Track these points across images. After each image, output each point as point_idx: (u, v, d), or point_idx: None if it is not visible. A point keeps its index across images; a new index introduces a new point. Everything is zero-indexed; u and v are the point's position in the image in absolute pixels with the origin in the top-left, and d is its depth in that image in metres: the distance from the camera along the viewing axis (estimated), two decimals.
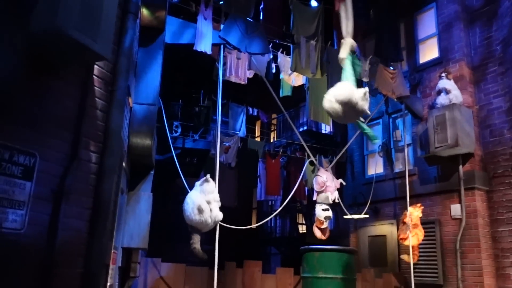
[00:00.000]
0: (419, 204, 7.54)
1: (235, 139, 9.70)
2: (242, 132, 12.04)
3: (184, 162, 8.33)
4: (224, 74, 9.47)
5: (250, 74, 9.78)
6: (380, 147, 9.26)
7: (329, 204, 6.77)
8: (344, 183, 6.77)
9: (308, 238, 10.91)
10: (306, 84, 8.83)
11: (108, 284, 3.57)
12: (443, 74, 7.69)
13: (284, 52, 9.07)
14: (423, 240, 7.81)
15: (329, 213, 6.56)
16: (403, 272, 8.08)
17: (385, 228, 8.85)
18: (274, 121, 13.23)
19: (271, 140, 13.33)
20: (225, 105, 12.18)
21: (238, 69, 9.47)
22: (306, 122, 12.33)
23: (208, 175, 5.70)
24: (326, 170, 6.80)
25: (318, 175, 6.69)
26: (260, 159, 9.85)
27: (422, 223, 7.86)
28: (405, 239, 7.43)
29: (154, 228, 10.62)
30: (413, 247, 7.44)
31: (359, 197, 9.30)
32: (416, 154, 8.49)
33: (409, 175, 8.38)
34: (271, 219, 13.54)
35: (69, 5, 2.43)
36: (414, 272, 7.79)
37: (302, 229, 13.21)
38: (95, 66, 3.19)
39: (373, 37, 8.70)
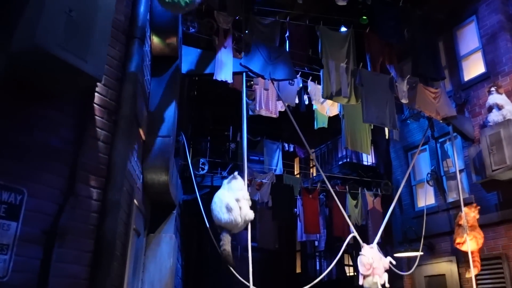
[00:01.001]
0: (474, 204, 6.87)
1: (270, 176, 9.28)
2: (279, 169, 11.62)
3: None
4: (254, 109, 9.29)
5: (281, 107, 9.51)
6: (429, 175, 8.51)
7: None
8: (394, 262, 6.09)
9: (356, 281, 10.06)
10: (341, 112, 8.40)
11: None
12: (492, 89, 7.04)
13: (316, 82, 8.76)
14: (489, 279, 6.89)
15: None
16: None
17: (444, 267, 7.94)
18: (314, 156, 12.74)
19: (310, 176, 12.78)
20: (259, 143, 11.91)
21: (268, 101, 9.24)
22: (346, 155, 11.75)
23: (236, 172, 5.46)
24: (371, 248, 6.04)
25: (362, 254, 5.95)
26: (297, 196, 9.32)
27: (484, 259, 6.97)
28: (463, 243, 6.69)
29: (190, 272, 10.21)
30: (473, 254, 6.63)
31: (409, 232, 8.48)
32: (470, 180, 7.69)
33: (465, 204, 7.57)
34: (315, 261, 12.76)
35: (51, 20, 2.23)
36: None
37: (350, 271, 12.27)
38: (96, 94, 2.97)
39: (410, 58, 8.23)
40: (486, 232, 7.12)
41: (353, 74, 7.14)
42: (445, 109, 7.50)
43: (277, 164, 11.64)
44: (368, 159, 11.08)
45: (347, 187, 9.20)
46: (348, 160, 11.01)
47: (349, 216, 8.94)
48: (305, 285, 5.82)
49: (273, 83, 7.13)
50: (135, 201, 3.56)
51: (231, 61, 6.21)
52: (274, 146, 11.83)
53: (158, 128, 4.04)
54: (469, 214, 6.84)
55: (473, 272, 6.58)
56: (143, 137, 3.88)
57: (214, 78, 6.06)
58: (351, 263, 12.09)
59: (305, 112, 9.51)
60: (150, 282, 4.30)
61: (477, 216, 6.86)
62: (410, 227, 8.39)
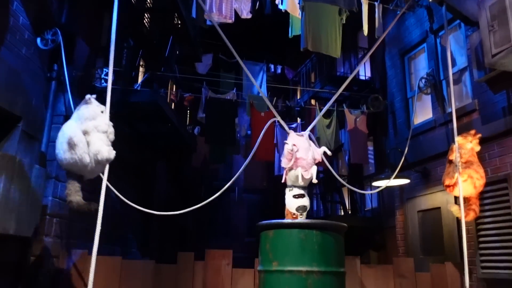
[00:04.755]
0: (473, 131, 4.93)
1: (230, 95, 7.75)
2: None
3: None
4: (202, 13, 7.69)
5: (246, 11, 7.84)
6: (425, 80, 6.55)
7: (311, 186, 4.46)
8: (329, 153, 4.36)
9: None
10: (300, 3, 6.56)
11: None
12: None
13: None
14: (490, 210, 5.12)
15: (304, 202, 4.22)
16: (469, 262, 5.38)
17: (439, 198, 6.20)
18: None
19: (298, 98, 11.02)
20: (236, 64, 10.31)
21: (222, 2, 7.58)
22: (344, 71, 9.84)
23: (89, 96, 4.00)
24: (300, 135, 4.37)
25: (285, 142, 4.31)
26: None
27: (488, 183, 5.14)
28: (453, 186, 4.83)
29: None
30: (469, 200, 4.85)
31: (395, 155, 6.71)
32: (473, 80, 5.71)
33: (466, 113, 5.71)
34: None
35: None
36: (481, 261, 5.14)
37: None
38: None
39: None
40: (490, 147, 5.26)
41: None
42: None
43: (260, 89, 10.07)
44: (366, 74, 9.12)
45: (316, 103, 7.49)
46: (340, 75, 9.12)
47: (317, 139, 7.33)
48: None
49: None
50: None
51: None
52: (256, 68, 10.18)
53: None
54: (464, 145, 4.88)
55: (463, 216, 4.74)
56: None
57: None
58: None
59: (279, 17, 7.78)
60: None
61: (477, 148, 4.91)
62: (395, 148, 6.62)
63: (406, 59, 7.37)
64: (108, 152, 3.84)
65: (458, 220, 5.69)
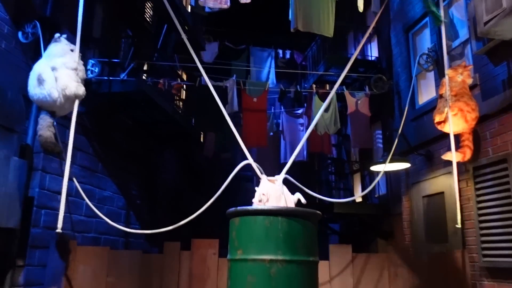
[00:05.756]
0: (463, 63, 4.90)
1: (230, 83, 7.59)
2: (271, 81, 9.85)
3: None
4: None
5: None
6: (426, 56, 6.15)
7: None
8: (303, 201, 4.15)
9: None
10: None
11: None
12: None
13: None
14: (490, 193, 4.77)
15: None
16: (471, 250, 5.05)
17: (442, 182, 5.83)
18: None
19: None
20: (244, 51, 10.14)
21: None
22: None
23: (59, 34, 4.38)
24: (272, 180, 4.12)
25: (256, 188, 4.13)
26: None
27: (486, 165, 4.81)
28: (444, 122, 4.75)
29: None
30: (462, 136, 4.74)
31: (402, 140, 6.37)
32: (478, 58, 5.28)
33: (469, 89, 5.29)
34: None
35: None
36: (483, 248, 4.79)
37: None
38: None
39: None
40: (491, 124, 4.88)
41: None
42: None
43: (268, 75, 9.86)
44: (373, 53, 8.69)
45: (314, 86, 7.21)
46: (349, 56, 8.76)
47: (315, 127, 7.08)
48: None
49: None
50: None
51: None
52: (264, 54, 10.00)
53: None
54: (455, 78, 4.74)
55: (454, 159, 4.53)
56: None
57: None
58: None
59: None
60: None
61: (469, 80, 4.77)
62: (395, 130, 6.27)
63: (410, 36, 6.95)
64: (76, 87, 4.06)
65: (461, 204, 5.36)
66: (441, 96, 4.90)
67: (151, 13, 7.53)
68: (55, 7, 5.74)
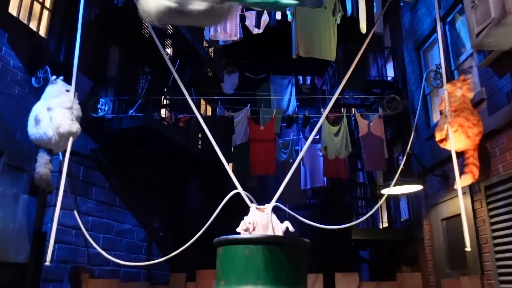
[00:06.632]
0: (462, 77, 4.72)
1: (244, 112, 7.68)
2: (292, 108, 9.86)
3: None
4: (209, 34, 7.88)
5: (252, 27, 7.92)
6: (434, 73, 5.93)
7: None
8: (291, 229, 4.13)
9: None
10: (290, 9, 6.37)
11: None
12: None
13: None
14: (505, 213, 4.45)
15: None
16: (488, 276, 4.69)
17: (458, 203, 5.46)
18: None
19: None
20: (264, 80, 10.25)
21: (226, 23, 7.67)
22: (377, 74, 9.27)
23: (55, 76, 4.79)
24: (261, 209, 4.12)
25: (244, 218, 4.16)
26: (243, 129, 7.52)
27: (499, 182, 4.51)
28: (445, 140, 4.56)
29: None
30: (466, 153, 4.53)
31: (419, 161, 6.12)
32: (484, 71, 5.04)
33: (475, 104, 5.07)
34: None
35: None
36: (499, 274, 4.43)
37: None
38: None
39: None
40: (499, 140, 4.60)
41: None
42: None
43: (289, 102, 9.88)
44: (390, 73, 8.49)
45: (322, 110, 7.11)
46: (370, 78, 8.62)
47: (325, 148, 6.94)
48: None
49: None
50: None
51: None
52: (284, 82, 10.05)
53: None
54: (454, 93, 4.55)
55: (458, 182, 4.23)
56: None
57: None
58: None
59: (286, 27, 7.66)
60: None
61: (469, 94, 4.58)
62: (412, 154, 6.01)
63: (421, 53, 6.76)
64: (69, 125, 4.31)
65: (477, 227, 5.02)
66: (441, 113, 4.72)
67: (170, 50, 7.86)
68: (68, 52, 6.17)
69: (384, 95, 7.61)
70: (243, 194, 4.56)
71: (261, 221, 4.08)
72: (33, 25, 5.92)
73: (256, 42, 9.12)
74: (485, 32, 4.02)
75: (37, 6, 6.05)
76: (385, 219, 8.43)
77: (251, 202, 4.57)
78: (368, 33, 6.60)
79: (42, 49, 5.96)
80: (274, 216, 4.37)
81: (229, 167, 4.45)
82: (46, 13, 6.22)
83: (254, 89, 10.09)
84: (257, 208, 4.33)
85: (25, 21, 5.75)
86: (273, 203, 4.45)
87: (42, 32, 6.11)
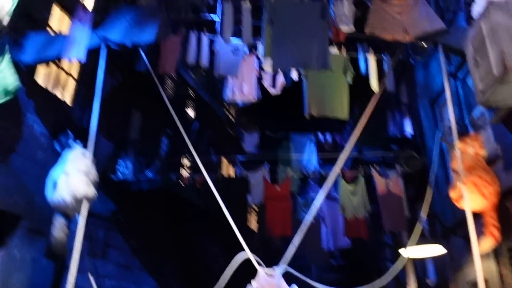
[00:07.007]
0: (473, 134, 4.71)
1: (261, 170, 7.70)
2: (313, 167, 9.79)
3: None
4: (226, 96, 8.10)
5: (269, 86, 8.11)
6: (449, 129, 5.83)
7: None
8: None
9: None
10: (301, 70, 6.53)
11: None
12: None
13: None
14: None
15: None
16: None
17: (484, 267, 5.14)
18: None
19: None
20: (284, 140, 10.32)
21: (242, 82, 7.91)
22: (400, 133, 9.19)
23: (72, 141, 4.93)
24: (270, 273, 4.19)
25: (251, 282, 4.21)
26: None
27: None
28: (460, 198, 4.37)
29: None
30: (484, 214, 4.36)
31: (440, 220, 5.89)
32: (498, 129, 4.94)
33: (490, 162, 4.91)
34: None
35: None
36: None
37: None
38: None
39: None
40: None
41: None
42: (420, 24, 5.09)
43: (309, 161, 9.85)
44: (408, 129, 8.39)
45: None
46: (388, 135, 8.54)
47: (342, 207, 6.79)
48: None
49: None
50: None
51: (87, 38, 5.35)
52: (304, 140, 10.08)
53: None
54: (466, 151, 4.42)
55: (476, 246, 4.00)
56: None
57: (63, 57, 5.28)
58: None
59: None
60: None
61: (482, 152, 4.45)
62: (433, 213, 5.81)
63: (436, 108, 6.71)
64: (85, 190, 4.37)
65: None
66: (454, 171, 4.60)
67: (192, 112, 8.15)
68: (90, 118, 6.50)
69: (402, 152, 7.48)
70: (251, 257, 4.49)
71: (267, 284, 4.00)
72: (58, 93, 6.32)
73: (276, 100, 9.32)
74: (490, 89, 3.98)
75: (63, 75, 6.48)
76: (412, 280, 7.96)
77: (259, 265, 4.49)
78: (379, 91, 6.67)
79: (66, 115, 6.32)
80: (282, 280, 4.27)
81: (236, 229, 4.42)
82: (72, 82, 6.65)
83: (274, 147, 10.16)
84: (266, 273, 4.27)
85: (51, 90, 6.15)
86: (282, 267, 4.37)
87: (68, 100, 6.50)
